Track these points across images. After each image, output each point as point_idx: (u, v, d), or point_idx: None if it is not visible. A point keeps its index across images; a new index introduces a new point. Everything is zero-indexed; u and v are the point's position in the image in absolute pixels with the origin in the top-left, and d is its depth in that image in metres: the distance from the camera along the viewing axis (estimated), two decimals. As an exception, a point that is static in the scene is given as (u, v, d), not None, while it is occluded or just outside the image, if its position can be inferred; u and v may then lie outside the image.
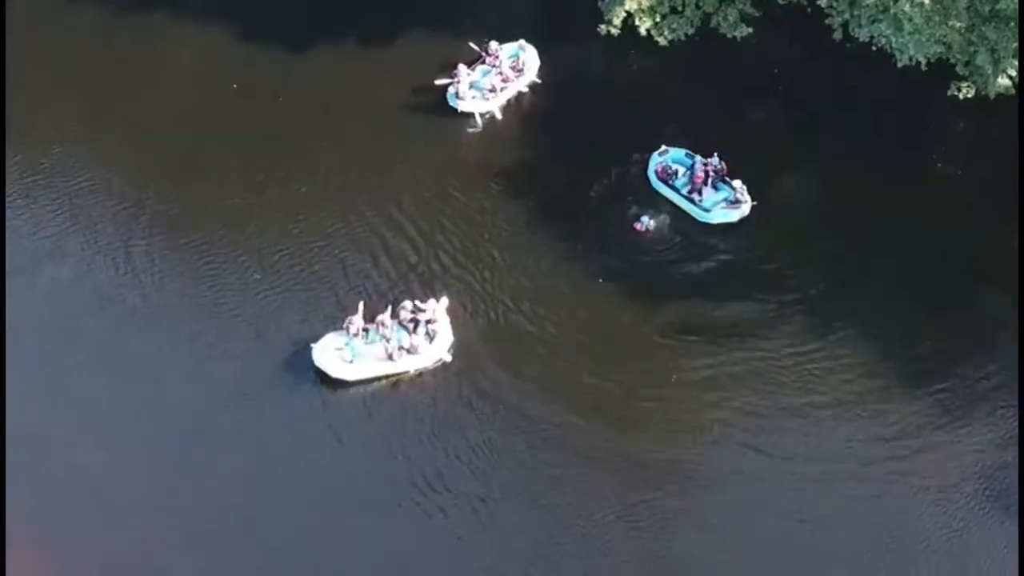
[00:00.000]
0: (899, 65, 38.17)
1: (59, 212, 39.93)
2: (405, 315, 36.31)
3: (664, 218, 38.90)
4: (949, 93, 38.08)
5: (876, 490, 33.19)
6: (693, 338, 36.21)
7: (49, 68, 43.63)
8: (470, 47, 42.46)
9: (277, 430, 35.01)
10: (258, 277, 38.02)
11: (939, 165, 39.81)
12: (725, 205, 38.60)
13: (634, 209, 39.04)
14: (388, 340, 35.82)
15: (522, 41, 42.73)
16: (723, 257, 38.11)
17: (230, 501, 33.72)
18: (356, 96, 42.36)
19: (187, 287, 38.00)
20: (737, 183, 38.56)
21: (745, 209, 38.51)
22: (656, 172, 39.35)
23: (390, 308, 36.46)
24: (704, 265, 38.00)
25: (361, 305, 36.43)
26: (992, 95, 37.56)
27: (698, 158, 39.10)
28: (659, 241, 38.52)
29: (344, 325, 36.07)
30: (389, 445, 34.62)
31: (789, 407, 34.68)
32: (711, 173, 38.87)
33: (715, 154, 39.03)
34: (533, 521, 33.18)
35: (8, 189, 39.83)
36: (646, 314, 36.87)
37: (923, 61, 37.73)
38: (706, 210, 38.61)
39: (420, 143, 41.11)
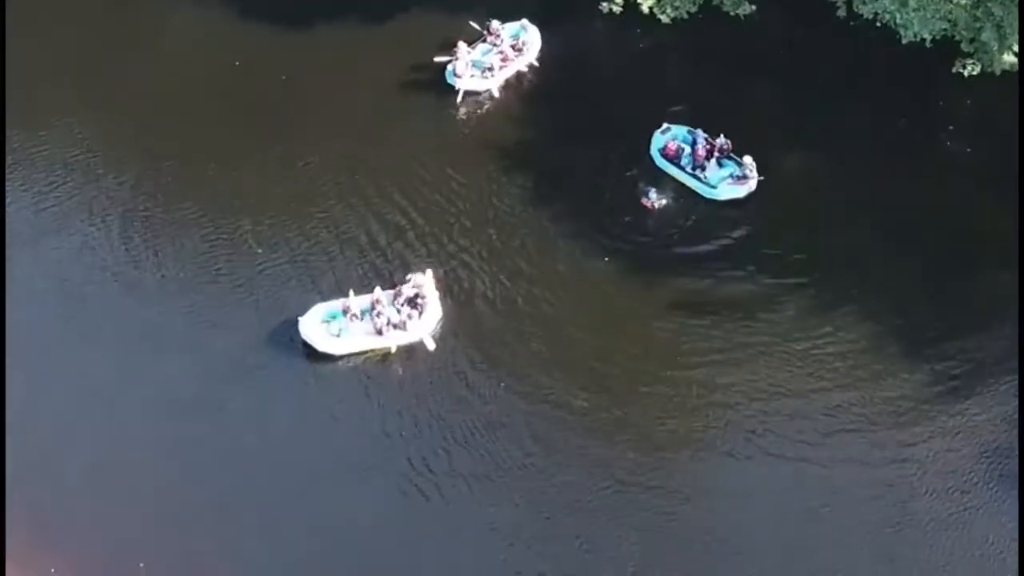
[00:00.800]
0: (904, 42, 38.27)
1: (60, 186, 39.74)
2: (402, 294, 36.10)
3: (671, 194, 38.66)
4: (954, 70, 38.17)
5: (881, 470, 33.06)
6: (697, 319, 36.02)
7: (50, 43, 43.31)
8: (471, 25, 42.29)
9: (268, 404, 34.81)
10: (260, 252, 37.85)
11: (948, 144, 39.66)
12: (732, 181, 38.37)
13: (640, 186, 38.77)
14: (379, 316, 35.65)
15: (524, 20, 42.49)
16: (729, 236, 37.85)
17: (220, 477, 33.65)
18: (356, 72, 42.24)
19: (185, 260, 37.81)
20: (747, 159, 38.27)
21: (752, 185, 38.28)
22: (660, 150, 39.13)
23: (385, 286, 36.29)
24: (710, 244, 37.75)
25: (352, 291, 36.21)
26: (998, 72, 37.66)
27: (699, 134, 38.90)
28: (665, 219, 38.28)
29: (341, 308, 35.85)
30: (378, 421, 34.35)
31: (793, 389, 34.48)
32: (716, 152, 38.71)
33: (720, 135, 38.83)
34: (526, 501, 32.91)
35: (9, 163, 39.68)
36: (650, 294, 36.64)
37: (928, 38, 37.84)
38: (712, 186, 38.39)
39: (418, 120, 40.94)
